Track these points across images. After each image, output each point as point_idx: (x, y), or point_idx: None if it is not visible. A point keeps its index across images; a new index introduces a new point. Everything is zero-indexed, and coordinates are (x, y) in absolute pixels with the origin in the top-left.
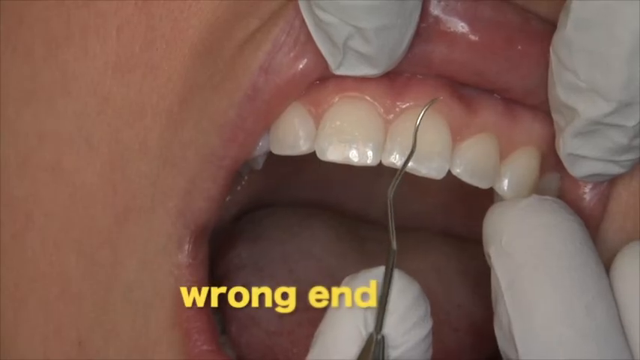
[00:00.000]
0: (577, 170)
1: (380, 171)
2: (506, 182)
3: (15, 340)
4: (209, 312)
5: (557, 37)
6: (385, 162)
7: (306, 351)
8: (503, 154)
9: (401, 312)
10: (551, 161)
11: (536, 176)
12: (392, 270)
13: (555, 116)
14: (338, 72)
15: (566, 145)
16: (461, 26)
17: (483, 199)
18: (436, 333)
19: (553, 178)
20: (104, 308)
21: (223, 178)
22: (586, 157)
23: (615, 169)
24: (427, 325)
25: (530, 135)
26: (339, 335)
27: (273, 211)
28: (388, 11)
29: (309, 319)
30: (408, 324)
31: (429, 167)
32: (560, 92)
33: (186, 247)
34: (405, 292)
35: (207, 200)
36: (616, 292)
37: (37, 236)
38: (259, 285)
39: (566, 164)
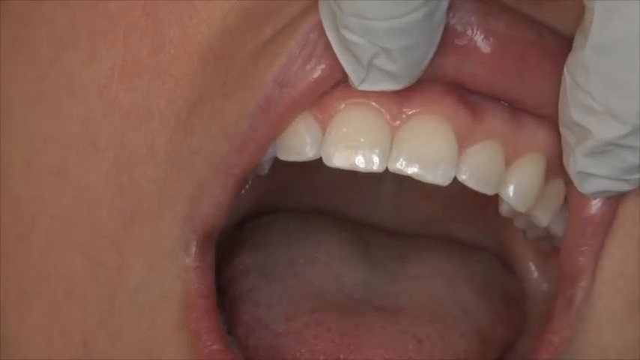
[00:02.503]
0: (586, 187)
1: (383, 176)
2: (511, 188)
3: (18, 341)
4: (217, 312)
5: (573, 59)
6: (391, 168)
7: (314, 351)
8: (509, 161)
9: None
10: (556, 167)
11: (542, 182)
12: None
13: (564, 132)
14: (361, 88)
15: (578, 164)
16: (474, 40)
17: (487, 204)
18: (443, 338)
19: (559, 183)
20: (110, 311)
21: (232, 186)
22: (596, 175)
23: (624, 187)
24: None
25: (536, 141)
26: None
27: (277, 217)
28: (415, 31)
29: (316, 320)
30: None
31: (434, 174)
32: (573, 112)
33: (194, 250)
34: None
35: (216, 206)
36: None
37: (42, 238)
38: (266, 288)
39: (575, 181)
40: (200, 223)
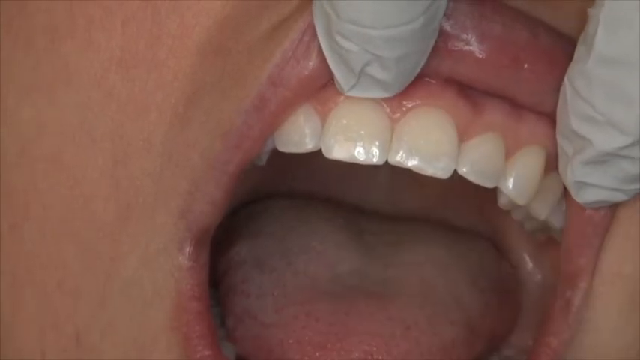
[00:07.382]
0: (582, 197)
1: None
2: (511, 181)
3: (12, 331)
4: (209, 316)
5: (575, 69)
6: (391, 161)
7: (302, 342)
8: (509, 154)
9: None
10: (555, 160)
11: (541, 175)
12: None
13: (562, 142)
14: (349, 94)
15: (575, 174)
16: (468, 44)
17: (483, 192)
18: (432, 325)
19: (558, 176)
20: (102, 303)
21: (227, 184)
22: (593, 185)
23: (620, 197)
24: None
25: (536, 134)
26: None
27: (271, 205)
28: (412, 40)
29: (305, 311)
30: None
31: (435, 167)
32: (573, 121)
33: (188, 249)
34: None
35: (210, 204)
36: None
37: (36, 227)
38: (259, 279)
39: (571, 191)
40: (194, 221)
